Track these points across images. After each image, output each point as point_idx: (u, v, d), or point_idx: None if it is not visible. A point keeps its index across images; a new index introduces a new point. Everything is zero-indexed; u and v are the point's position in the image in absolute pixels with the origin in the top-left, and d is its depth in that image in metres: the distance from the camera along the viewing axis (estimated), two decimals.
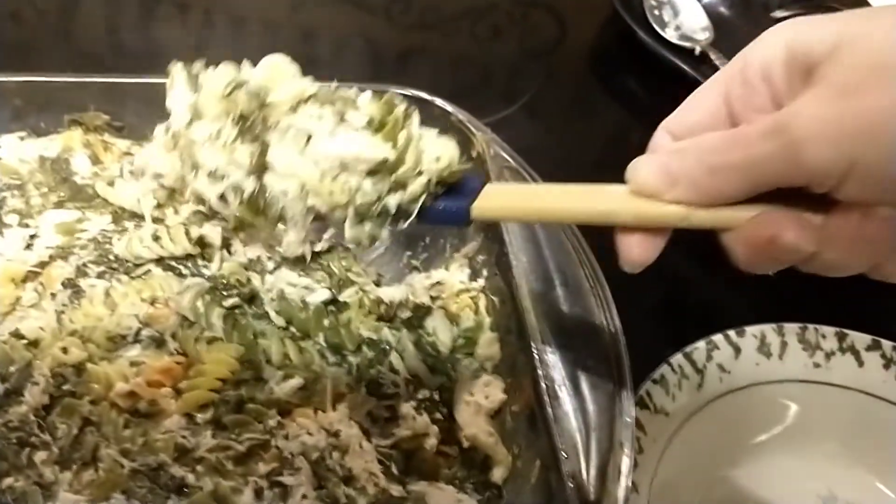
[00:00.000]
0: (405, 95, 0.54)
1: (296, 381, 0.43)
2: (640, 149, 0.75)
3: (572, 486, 0.38)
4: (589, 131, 0.68)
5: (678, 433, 0.46)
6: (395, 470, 0.42)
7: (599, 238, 0.48)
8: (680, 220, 0.31)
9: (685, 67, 0.68)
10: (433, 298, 0.48)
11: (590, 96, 0.73)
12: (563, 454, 0.39)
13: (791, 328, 0.48)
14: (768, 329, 0.48)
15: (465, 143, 0.52)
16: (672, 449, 0.45)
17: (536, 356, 0.42)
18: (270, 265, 0.48)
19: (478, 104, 0.71)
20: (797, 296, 0.59)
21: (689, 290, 0.59)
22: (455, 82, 0.75)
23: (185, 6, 0.82)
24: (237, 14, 0.82)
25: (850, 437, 0.48)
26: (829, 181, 0.28)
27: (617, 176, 0.68)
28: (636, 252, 0.32)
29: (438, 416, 0.44)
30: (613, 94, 0.73)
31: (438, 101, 0.53)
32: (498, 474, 0.43)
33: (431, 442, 0.43)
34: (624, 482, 0.38)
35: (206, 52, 0.83)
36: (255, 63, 0.35)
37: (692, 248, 0.60)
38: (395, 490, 0.41)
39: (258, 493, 0.40)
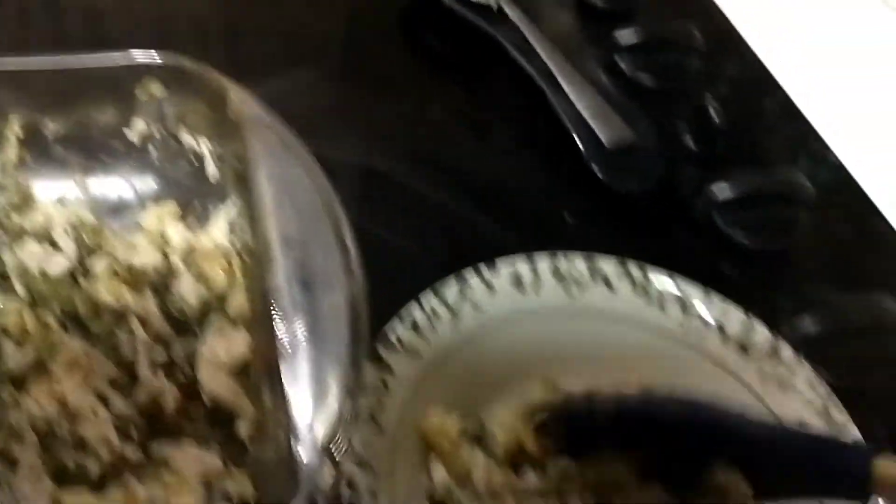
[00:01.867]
0: (162, 65, 0.54)
1: (29, 354, 0.43)
2: (437, 108, 0.75)
3: (303, 435, 0.39)
4: (387, 92, 0.68)
5: (432, 371, 0.46)
6: (134, 434, 0.42)
7: (354, 188, 0.48)
8: None
9: (482, 25, 0.69)
10: (186, 261, 0.48)
11: (395, 57, 0.73)
12: (296, 403, 0.39)
13: (541, 256, 0.49)
14: (520, 259, 0.49)
15: (221, 103, 0.52)
16: (425, 387, 0.46)
17: (279, 310, 0.43)
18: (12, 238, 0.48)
19: (287, 71, 0.71)
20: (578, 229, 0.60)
21: (464, 230, 0.58)
22: (265, 50, 0.74)
23: None
24: None
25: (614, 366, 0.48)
26: None
27: (407, 138, 0.68)
28: None
29: (181, 377, 0.44)
30: (415, 54, 0.73)
31: (188, 64, 0.52)
32: (243, 429, 0.43)
33: (170, 403, 0.43)
34: (348, 425, 0.39)
35: (27, 45, 0.81)
36: None
37: (466, 187, 0.61)
38: (133, 453, 0.41)
39: None
